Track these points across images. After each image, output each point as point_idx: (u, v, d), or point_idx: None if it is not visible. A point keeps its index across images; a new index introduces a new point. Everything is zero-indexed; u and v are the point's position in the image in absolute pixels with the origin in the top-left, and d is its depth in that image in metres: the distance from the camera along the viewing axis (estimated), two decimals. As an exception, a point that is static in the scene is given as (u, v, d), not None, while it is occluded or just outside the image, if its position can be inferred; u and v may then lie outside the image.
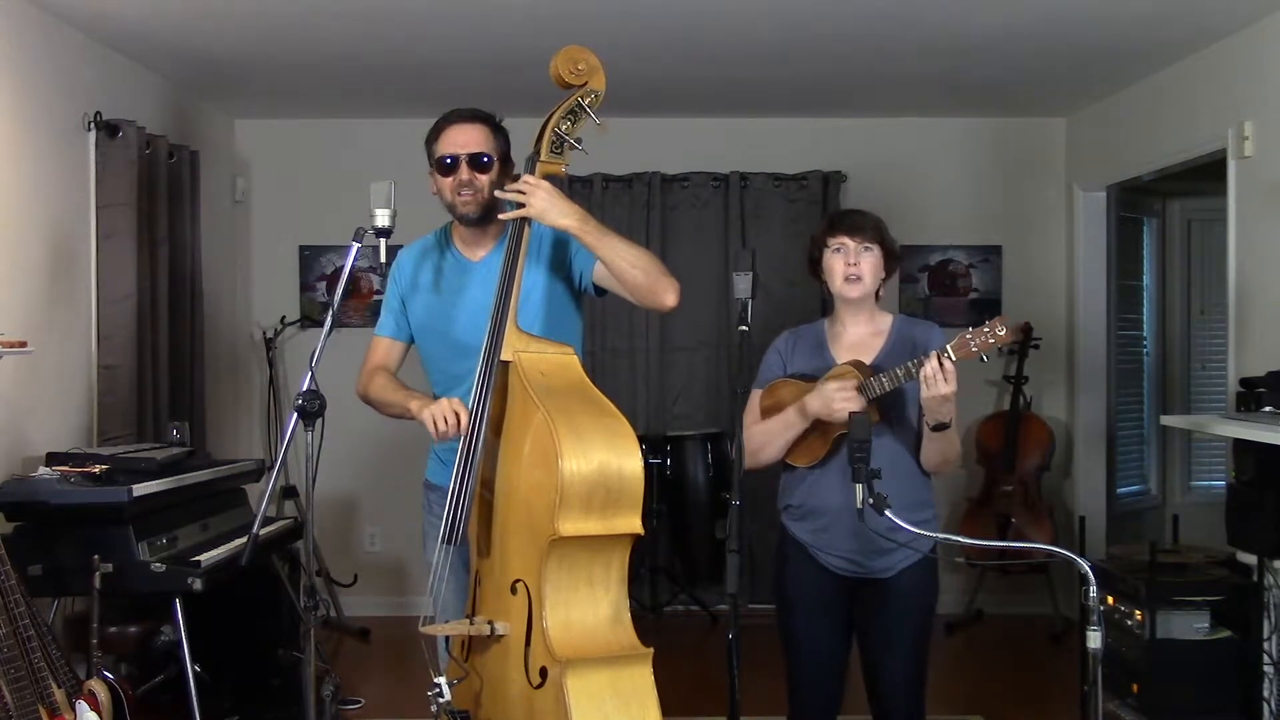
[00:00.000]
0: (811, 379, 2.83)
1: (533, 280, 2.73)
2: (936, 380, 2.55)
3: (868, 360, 2.82)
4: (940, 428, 2.67)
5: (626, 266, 2.59)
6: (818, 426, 2.79)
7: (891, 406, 2.77)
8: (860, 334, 2.89)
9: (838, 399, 2.68)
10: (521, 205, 2.57)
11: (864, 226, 2.82)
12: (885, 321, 2.91)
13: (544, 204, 2.54)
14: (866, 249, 2.81)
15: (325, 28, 4.37)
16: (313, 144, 6.03)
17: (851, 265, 2.80)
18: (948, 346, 2.59)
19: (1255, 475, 3.70)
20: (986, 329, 2.57)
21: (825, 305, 3.12)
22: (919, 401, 2.69)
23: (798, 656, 2.91)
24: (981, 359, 2.59)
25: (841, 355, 2.86)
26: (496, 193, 2.68)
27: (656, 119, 5.86)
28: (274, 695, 4.34)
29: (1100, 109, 5.68)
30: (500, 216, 2.68)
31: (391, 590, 5.98)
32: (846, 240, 2.81)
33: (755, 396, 2.92)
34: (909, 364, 2.63)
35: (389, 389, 2.84)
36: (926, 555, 2.79)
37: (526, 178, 2.58)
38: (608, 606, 2.40)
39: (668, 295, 2.62)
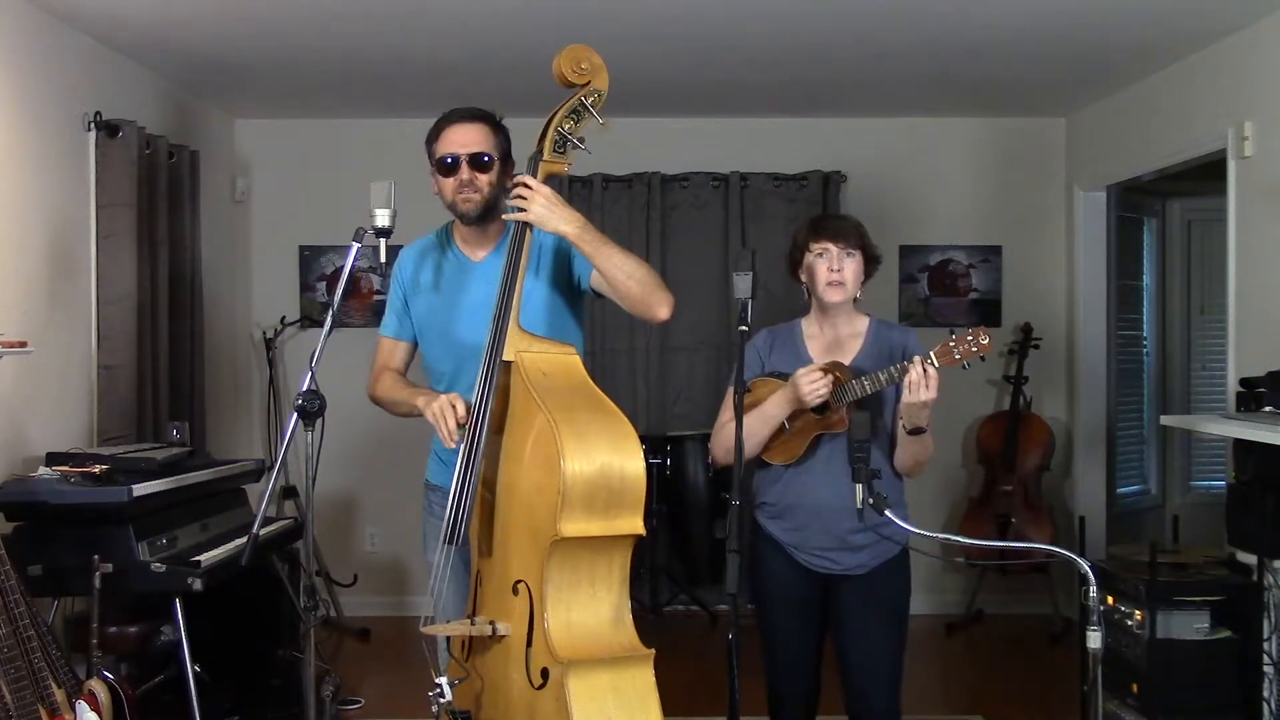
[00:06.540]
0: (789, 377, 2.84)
1: (534, 280, 2.73)
2: (919, 387, 2.58)
3: (846, 361, 2.84)
4: (916, 431, 2.71)
5: (623, 277, 2.59)
6: (796, 424, 2.80)
7: (869, 410, 2.78)
8: (837, 335, 2.91)
9: (805, 382, 2.69)
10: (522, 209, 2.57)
11: (847, 232, 2.85)
12: (862, 324, 2.93)
13: (543, 210, 2.54)
14: (849, 254, 2.83)
15: (325, 28, 4.37)
16: (313, 144, 6.03)
17: (835, 271, 2.82)
18: (931, 354, 2.61)
19: (1255, 475, 3.70)
20: (970, 337, 2.60)
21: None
22: (895, 406, 2.73)
23: (774, 652, 2.94)
24: (964, 366, 2.61)
25: (819, 356, 2.88)
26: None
27: (656, 119, 5.86)
28: (274, 695, 4.34)
29: (1100, 109, 5.67)
30: (503, 217, 2.68)
31: (391, 590, 5.98)
32: (830, 246, 2.83)
33: (730, 393, 2.91)
34: (891, 369, 2.65)
35: (396, 388, 2.84)
36: (900, 551, 2.84)
37: (526, 179, 2.57)
38: (609, 607, 2.40)
39: (661, 308, 2.62)
